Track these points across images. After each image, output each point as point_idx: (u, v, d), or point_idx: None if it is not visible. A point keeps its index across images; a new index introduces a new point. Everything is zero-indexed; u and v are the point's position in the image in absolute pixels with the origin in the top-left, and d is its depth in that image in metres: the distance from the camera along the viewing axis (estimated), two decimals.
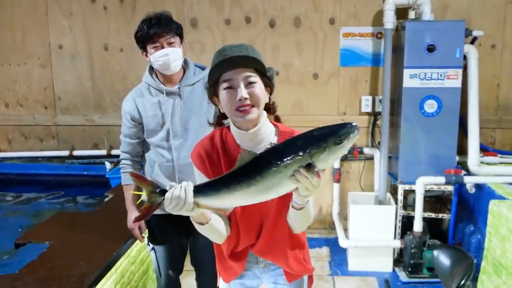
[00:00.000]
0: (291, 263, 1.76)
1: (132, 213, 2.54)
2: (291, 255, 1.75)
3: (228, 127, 1.65)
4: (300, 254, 1.80)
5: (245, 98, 1.48)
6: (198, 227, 1.56)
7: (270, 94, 1.62)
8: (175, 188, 1.38)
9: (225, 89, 1.51)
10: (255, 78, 1.52)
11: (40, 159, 4.81)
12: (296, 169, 1.30)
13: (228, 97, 1.51)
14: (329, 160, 1.31)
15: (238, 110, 1.50)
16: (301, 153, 1.29)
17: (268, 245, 1.71)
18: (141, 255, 3.08)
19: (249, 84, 1.51)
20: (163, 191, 1.42)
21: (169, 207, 1.39)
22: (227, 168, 1.57)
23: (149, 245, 2.65)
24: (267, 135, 1.60)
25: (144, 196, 1.46)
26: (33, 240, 2.83)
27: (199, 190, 1.41)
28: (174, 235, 2.58)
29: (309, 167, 1.30)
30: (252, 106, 1.51)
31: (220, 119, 1.68)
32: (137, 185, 1.54)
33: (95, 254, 2.61)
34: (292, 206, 1.53)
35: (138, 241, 2.96)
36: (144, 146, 2.54)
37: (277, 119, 1.69)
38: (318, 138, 1.31)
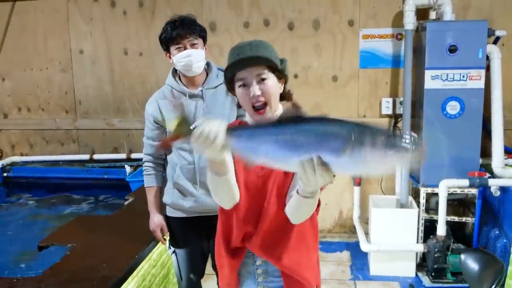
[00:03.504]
0: (294, 266, 1.67)
1: (154, 215, 2.54)
2: (295, 256, 1.67)
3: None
4: (307, 257, 1.71)
5: (258, 95, 1.54)
6: (213, 180, 1.54)
7: (285, 83, 1.65)
8: (206, 124, 1.34)
9: (239, 86, 1.58)
10: (267, 74, 1.56)
11: (61, 162, 4.87)
12: (313, 156, 1.22)
13: (243, 94, 1.57)
14: (363, 160, 1.18)
15: (254, 108, 1.56)
16: (344, 132, 1.19)
17: (267, 240, 1.65)
18: (162, 258, 3.07)
19: (261, 81, 1.55)
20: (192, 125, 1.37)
21: (198, 141, 1.34)
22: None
23: (170, 248, 2.65)
24: None
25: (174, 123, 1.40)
26: (56, 243, 2.85)
27: (231, 130, 1.36)
28: (195, 239, 2.58)
29: (324, 163, 1.22)
30: (265, 104, 1.56)
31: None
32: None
33: (117, 257, 2.61)
34: (297, 193, 1.45)
35: (159, 244, 2.96)
36: (166, 149, 2.53)
37: (295, 106, 1.64)
38: (370, 130, 1.20)
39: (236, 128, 1.40)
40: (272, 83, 1.57)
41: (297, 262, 1.68)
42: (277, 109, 1.62)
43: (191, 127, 1.35)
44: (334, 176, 1.28)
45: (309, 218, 1.60)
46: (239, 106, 1.66)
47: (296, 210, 1.55)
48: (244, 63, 1.54)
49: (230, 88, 1.64)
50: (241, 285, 1.76)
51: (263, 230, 1.64)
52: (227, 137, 1.34)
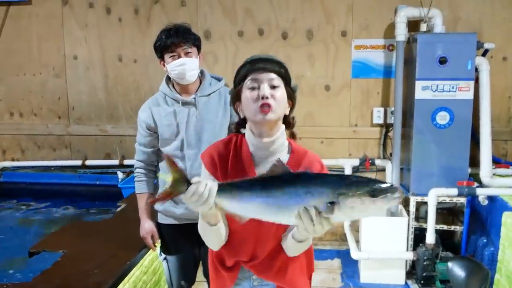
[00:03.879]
0: (296, 281, 1.71)
1: (145, 222, 2.55)
2: (296, 271, 1.70)
3: (244, 135, 1.65)
4: (302, 274, 1.74)
5: (267, 97, 1.51)
6: (204, 227, 1.55)
7: (291, 109, 1.64)
8: (200, 184, 1.36)
9: (249, 88, 1.55)
10: (279, 82, 1.56)
11: (52, 168, 4.84)
12: (308, 206, 1.28)
13: (251, 96, 1.54)
14: (353, 210, 1.26)
15: (259, 109, 1.52)
16: (329, 190, 1.27)
17: (263, 265, 1.66)
18: (153, 265, 3.08)
19: (272, 87, 1.54)
20: (189, 183, 1.38)
21: (189, 200, 1.36)
22: (234, 174, 1.58)
23: (161, 255, 2.66)
24: (280, 150, 1.60)
25: (168, 180, 1.43)
26: (47, 249, 2.85)
27: (222, 189, 1.39)
28: (187, 246, 2.58)
29: (320, 212, 1.28)
30: (270, 106, 1.52)
31: (239, 126, 1.68)
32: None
33: (109, 263, 2.61)
34: (292, 236, 1.53)
35: (150, 250, 2.97)
36: (158, 155, 2.55)
37: (292, 135, 1.68)
38: (353, 182, 1.27)
39: (226, 189, 1.40)
40: (282, 94, 1.56)
41: (290, 279, 1.70)
42: (280, 128, 1.59)
43: (186, 187, 1.38)
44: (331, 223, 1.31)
45: None
46: (242, 124, 1.65)
47: (292, 249, 1.61)
48: (261, 62, 1.55)
49: (236, 94, 1.61)
50: (236, 286, 1.75)
51: (259, 259, 1.65)
52: (218, 197, 1.38)
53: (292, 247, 1.59)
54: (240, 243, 1.64)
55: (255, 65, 1.56)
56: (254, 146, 1.60)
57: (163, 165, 2.52)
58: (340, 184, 1.27)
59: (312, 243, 1.67)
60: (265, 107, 1.51)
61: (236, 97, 1.62)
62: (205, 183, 1.37)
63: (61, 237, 3.11)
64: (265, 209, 1.36)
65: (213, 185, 1.37)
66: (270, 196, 1.34)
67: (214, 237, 1.60)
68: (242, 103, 1.59)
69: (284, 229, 1.59)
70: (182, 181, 1.38)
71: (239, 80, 1.60)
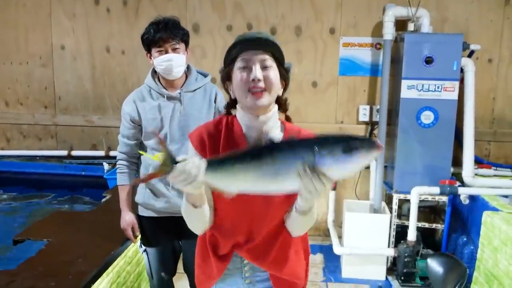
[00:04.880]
0: (286, 270, 1.63)
1: (126, 214, 2.54)
2: (287, 261, 1.63)
3: (235, 115, 1.59)
4: (299, 260, 1.68)
5: (259, 80, 1.45)
6: (188, 210, 1.49)
7: (285, 89, 1.58)
8: (188, 163, 1.29)
9: (239, 68, 1.48)
10: (272, 63, 1.49)
11: (38, 158, 4.83)
12: (302, 168, 1.25)
13: (242, 77, 1.47)
14: (334, 169, 1.24)
15: (250, 92, 1.46)
16: (309, 149, 1.25)
17: (259, 248, 1.60)
18: (137, 256, 3.09)
19: (264, 68, 1.47)
20: (176, 163, 1.32)
21: (177, 179, 1.30)
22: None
23: (141, 247, 2.66)
24: (273, 129, 1.56)
25: (156, 160, 1.39)
26: (32, 237, 2.84)
27: (211, 165, 1.34)
28: (166, 238, 2.59)
29: (315, 169, 1.25)
30: (264, 90, 1.46)
31: (229, 108, 1.61)
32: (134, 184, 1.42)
33: (93, 253, 2.62)
34: (296, 209, 1.47)
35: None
36: (141, 148, 2.54)
37: (287, 119, 1.64)
38: (330, 140, 1.26)
39: (216, 164, 1.34)
40: (275, 74, 1.49)
41: (289, 267, 1.64)
42: (273, 108, 1.54)
43: (174, 165, 1.32)
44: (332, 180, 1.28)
45: None
46: (233, 105, 1.59)
47: (294, 225, 1.55)
48: (253, 42, 1.47)
49: (226, 74, 1.54)
50: (228, 280, 1.68)
51: (254, 243, 1.59)
52: (207, 173, 1.33)
53: (296, 223, 1.53)
54: (235, 223, 1.58)
55: (247, 45, 1.48)
56: (247, 126, 1.54)
57: (145, 158, 2.51)
58: (319, 143, 1.25)
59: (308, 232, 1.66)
60: (257, 91, 1.45)
61: (226, 77, 1.55)
62: (193, 160, 1.31)
63: (46, 226, 3.10)
64: (260, 179, 1.31)
65: (201, 162, 1.31)
66: (263, 164, 1.30)
67: (198, 220, 1.55)
68: (232, 83, 1.52)
69: (276, 206, 1.53)
70: (170, 161, 1.33)
71: (229, 60, 1.52)
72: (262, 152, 1.31)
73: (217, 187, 1.36)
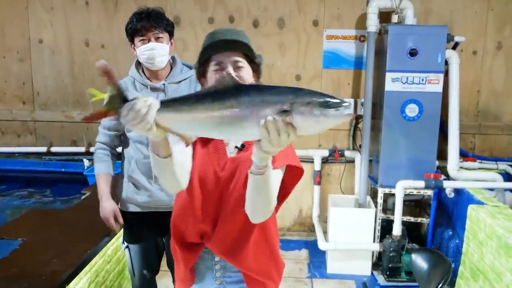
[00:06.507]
0: (256, 268, 1.63)
1: (106, 202, 2.44)
2: (257, 258, 1.62)
3: None
4: (269, 258, 1.68)
5: None
6: (156, 161, 1.40)
7: (258, 78, 1.62)
8: (138, 101, 1.22)
9: (214, 70, 1.52)
10: (243, 63, 1.53)
11: (16, 154, 4.72)
12: (271, 115, 1.17)
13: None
14: (306, 122, 1.17)
15: None
16: (283, 97, 1.18)
17: (226, 241, 1.59)
18: (117, 254, 3.02)
19: (237, 68, 1.52)
20: (126, 101, 1.24)
21: (126, 118, 1.23)
22: (201, 143, 1.57)
23: (123, 243, 2.60)
24: None
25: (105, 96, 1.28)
26: (6, 237, 2.76)
27: (165, 105, 1.25)
28: (149, 234, 2.54)
29: (285, 120, 1.18)
30: None
31: None
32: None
33: (69, 252, 2.55)
34: (251, 172, 1.36)
35: (114, 239, 2.92)
36: (123, 142, 2.50)
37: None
38: (307, 93, 1.20)
39: (172, 105, 1.26)
40: (248, 73, 1.55)
41: (259, 264, 1.64)
42: None
43: (122, 104, 1.24)
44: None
45: (269, 218, 1.52)
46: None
47: (250, 200, 1.44)
48: (223, 45, 1.51)
49: (202, 72, 1.58)
50: (198, 281, 1.69)
51: (221, 232, 1.59)
52: (162, 115, 1.24)
53: (251, 193, 1.42)
54: (203, 208, 1.58)
55: (217, 46, 1.52)
56: None
57: (127, 151, 2.45)
58: (294, 93, 1.19)
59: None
60: None
61: (201, 74, 1.59)
62: (144, 99, 1.22)
63: (21, 225, 3.02)
64: (221, 122, 1.23)
65: (154, 101, 1.23)
66: (225, 107, 1.22)
67: (168, 173, 1.44)
68: (207, 82, 1.56)
69: (239, 191, 1.51)
70: (119, 98, 1.25)
71: (204, 60, 1.56)
72: (226, 95, 1.23)
73: (173, 130, 1.28)
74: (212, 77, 1.53)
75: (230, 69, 1.50)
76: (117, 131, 2.47)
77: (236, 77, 1.43)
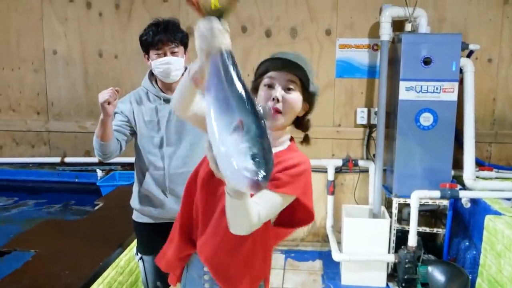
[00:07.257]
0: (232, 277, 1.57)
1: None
2: (241, 272, 1.57)
3: None
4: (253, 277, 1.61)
5: (278, 100, 1.49)
6: (183, 86, 1.48)
7: (308, 112, 1.61)
8: (221, 30, 1.34)
9: (265, 85, 1.54)
10: (295, 87, 1.52)
11: (31, 165, 4.75)
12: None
13: (264, 95, 1.52)
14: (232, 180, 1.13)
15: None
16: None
17: (215, 251, 1.55)
18: (130, 265, 3.01)
19: (287, 89, 1.51)
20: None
21: (201, 28, 1.36)
22: None
23: (137, 254, 2.59)
24: (279, 147, 1.57)
25: None
26: (19, 248, 2.76)
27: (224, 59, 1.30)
28: (163, 245, 2.52)
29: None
30: (280, 112, 1.50)
31: None
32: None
33: (82, 264, 2.54)
34: (226, 191, 1.31)
35: (127, 250, 2.90)
36: (135, 154, 2.48)
37: (306, 138, 1.63)
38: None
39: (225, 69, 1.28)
40: (297, 98, 1.52)
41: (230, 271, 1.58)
42: (285, 133, 1.58)
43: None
44: None
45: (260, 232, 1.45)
46: None
47: (228, 212, 1.36)
48: (280, 63, 1.51)
49: (256, 85, 1.58)
50: (187, 285, 1.72)
51: (210, 240, 1.55)
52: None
53: (228, 204, 1.34)
54: (195, 212, 1.63)
55: (275, 63, 1.52)
56: None
57: (140, 162, 2.43)
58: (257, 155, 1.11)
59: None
60: (274, 111, 1.49)
61: (254, 89, 1.59)
62: (227, 35, 1.35)
63: (34, 236, 3.02)
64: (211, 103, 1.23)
65: (228, 44, 1.33)
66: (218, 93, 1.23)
67: (190, 96, 1.49)
68: (257, 97, 1.57)
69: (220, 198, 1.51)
70: (219, 14, 1.36)
71: (259, 74, 1.58)
72: (234, 81, 1.22)
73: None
74: (261, 93, 1.54)
75: (279, 88, 1.50)
76: (119, 132, 2.37)
77: (280, 97, 1.49)
